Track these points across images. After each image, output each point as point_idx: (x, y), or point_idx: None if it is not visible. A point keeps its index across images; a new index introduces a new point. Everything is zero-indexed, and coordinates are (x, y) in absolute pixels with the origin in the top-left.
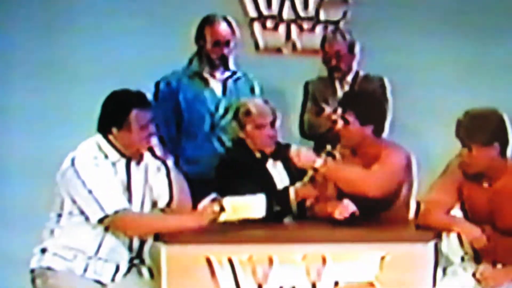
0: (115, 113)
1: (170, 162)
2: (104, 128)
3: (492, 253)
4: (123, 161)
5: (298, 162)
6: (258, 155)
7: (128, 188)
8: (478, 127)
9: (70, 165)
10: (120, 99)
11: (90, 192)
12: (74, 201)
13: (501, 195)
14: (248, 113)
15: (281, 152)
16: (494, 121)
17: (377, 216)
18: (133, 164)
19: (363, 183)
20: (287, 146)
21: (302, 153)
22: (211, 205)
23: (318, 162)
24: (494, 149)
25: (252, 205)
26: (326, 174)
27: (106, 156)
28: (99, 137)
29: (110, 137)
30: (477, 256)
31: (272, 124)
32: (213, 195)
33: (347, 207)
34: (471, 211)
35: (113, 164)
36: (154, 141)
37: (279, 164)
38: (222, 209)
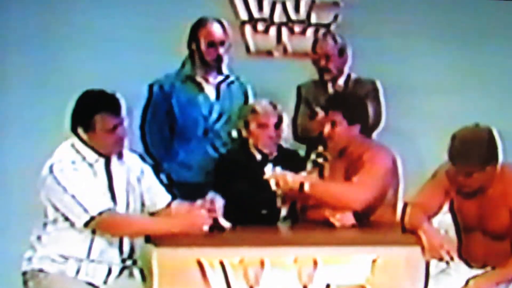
0: (80, 115)
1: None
2: (74, 128)
3: (481, 259)
4: (102, 161)
5: (285, 186)
6: (258, 157)
7: (110, 187)
8: (470, 151)
9: (49, 173)
10: (86, 101)
11: (73, 197)
12: (56, 209)
13: (491, 201)
14: (253, 111)
15: (284, 158)
16: (486, 141)
17: (366, 219)
18: (113, 163)
19: (347, 198)
20: (293, 152)
21: (287, 177)
22: (207, 221)
23: (306, 184)
24: (491, 168)
25: None
26: (311, 192)
27: (83, 158)
28: (74, 139)
29: (83, 136)
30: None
31: (277, 127)
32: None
33: (348, 217)
34: (461, 216)
35: (92, 165)
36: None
37: (279, 169)
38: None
